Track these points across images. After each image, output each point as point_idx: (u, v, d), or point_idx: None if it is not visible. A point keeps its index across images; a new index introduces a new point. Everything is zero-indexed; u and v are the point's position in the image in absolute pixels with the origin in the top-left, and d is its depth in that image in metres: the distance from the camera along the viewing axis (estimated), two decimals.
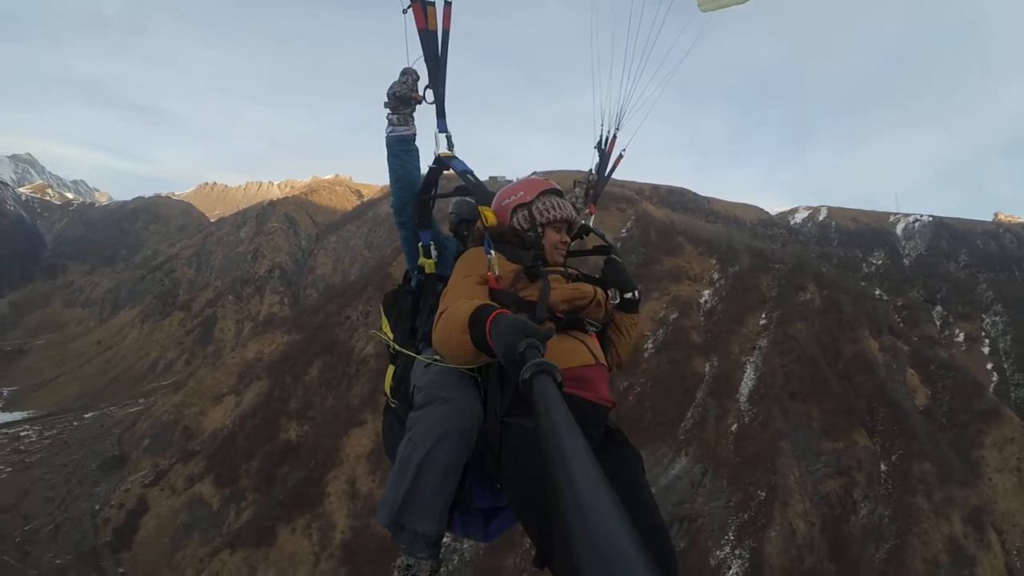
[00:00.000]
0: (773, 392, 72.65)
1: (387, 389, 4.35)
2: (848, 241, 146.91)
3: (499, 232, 4.05)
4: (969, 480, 67.11)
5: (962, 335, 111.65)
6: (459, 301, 3.33)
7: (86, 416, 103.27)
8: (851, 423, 69.93)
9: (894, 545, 61.09)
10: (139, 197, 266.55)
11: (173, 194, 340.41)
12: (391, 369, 4.37)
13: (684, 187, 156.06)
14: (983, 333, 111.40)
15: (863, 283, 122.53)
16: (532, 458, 3.23)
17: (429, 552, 3.55)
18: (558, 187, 4.45)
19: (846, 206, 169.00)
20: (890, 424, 71.04)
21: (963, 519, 62.68)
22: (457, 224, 5.36)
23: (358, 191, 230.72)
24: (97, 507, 75.88)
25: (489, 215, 3.99)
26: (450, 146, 4.37)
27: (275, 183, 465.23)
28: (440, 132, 4.36)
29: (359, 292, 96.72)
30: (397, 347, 4.27)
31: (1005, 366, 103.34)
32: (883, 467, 67.55)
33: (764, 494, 63.96)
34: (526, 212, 4.28)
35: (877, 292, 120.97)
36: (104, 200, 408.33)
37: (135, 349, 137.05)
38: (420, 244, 4.42)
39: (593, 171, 6.21)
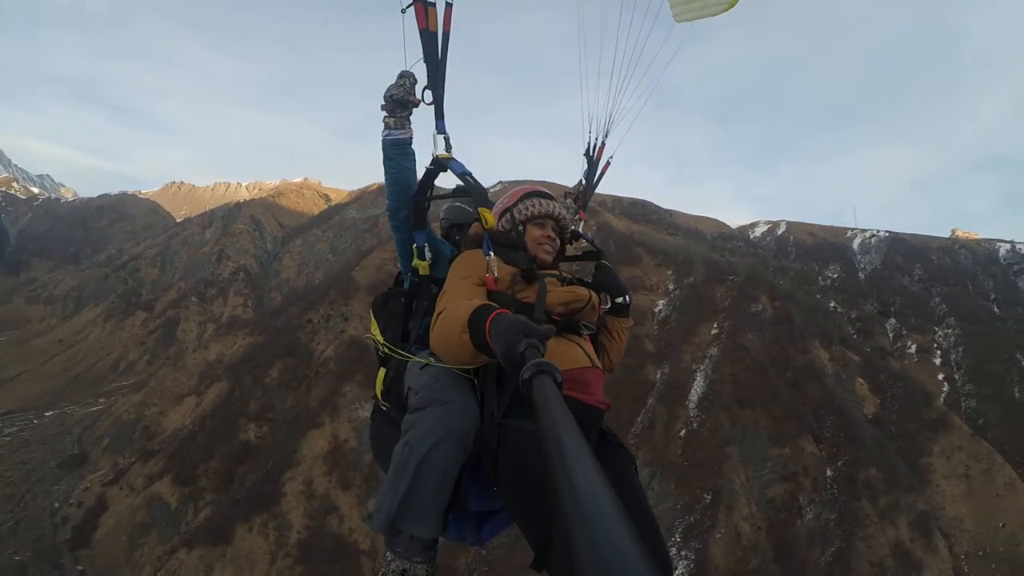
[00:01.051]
0: (722, 399, 74.53)
1: (378, 392, 4.37)
2: (805, 255, 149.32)
3: (493, 236, 4.06)
4: (916, 486, 69.59)
5: (914, 347, 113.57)
6: (458, 302, 3.40)
7: (47, 414, 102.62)
8: (798, 430, 71.75)
9: (839, 548, 62.96)
10: (105, 194, 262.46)
11: (140, 192, 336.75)
12: (382, 372, 4.39)
13: (647, 199, 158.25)
14: (935, 345, 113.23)
15: (818, 296, 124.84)
16: (530, 460, 3.30)
17: (424, 556, 3.58)
18: (543, 190, 4.54)
19: (806, 220, 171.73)
20: (837, 431, 72.93)
21: (910, 524, 64.84)
22: (448, 229, 5.40)
23: (326, 195, 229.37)
24: (56, 505, 75.77)
25: (489, 216, 4.03)
26: (448, 147, 4.41)
27: (243, 184, 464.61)
28: (439, 133, 4.42)
29: (321, 296, 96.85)
30: (390, 348, 4.27)
31: (956, 377, 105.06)
32: (829, 472, 69.36)
33: (710, 497, 65.69)
34: (509, 215, 4.38)
35: (832, 305, 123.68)
36: (70, 196, 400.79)
37: (97, 348, 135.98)
38: (415, 246, 4.44)
39: (582, 179, 6.29)
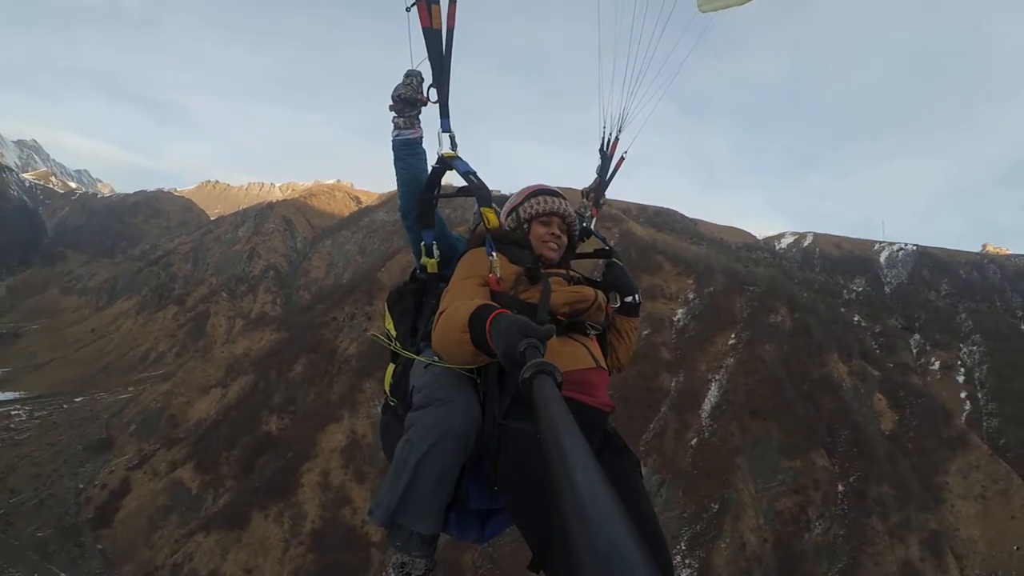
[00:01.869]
0: (734, 409, 74.67)
1: (386, 387, 4.33)
2: (831, 267, 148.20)
3: (499, 235, 4.07)
4: (929, 505, 68.46)
5: (938, 363, 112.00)
6: (459, 301, 3.38)
7: (76, 400, 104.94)
8: (810, 443, 71.45)
9: (847, 565, 62.64)
10: (141, 191, 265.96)
11: (175, 190, 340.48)
12: (391, 367, 4.36)
13: (672, 208, 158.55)
14: (959, 362, 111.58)
15: (842, 309, 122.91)
16: (530, 461, 3.28)
17: (424, 551, 3.62)
18: (551, 188, 4.46)
19: (833, 232, 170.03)
20: (850, 446, 72.64)
21: (921, 543, 64.13)
22: (477, 226, 4.93)
23: (357, 197, 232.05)
24: (81, 486, 77.72)
25: (491, 216, 4.07)
26: (453, 146, 4.42)
27: (277, 185, 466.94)
28: (443, 132, 4.43)
29: (346, 295, 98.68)
30: (396, 347, 4.28)
31: (979, 395, 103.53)
32: (840, 487, 68.98)
33: (717, 507, 65.77)
34: (515, 214, 4.33)
35: (856, 318, 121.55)
36: (106, 191, 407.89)
37: (128, 339, 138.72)
38: (423, 243, 4.45)
39: (596, 174, 6.22)
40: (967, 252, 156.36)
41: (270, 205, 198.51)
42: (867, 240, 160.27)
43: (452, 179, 4.45)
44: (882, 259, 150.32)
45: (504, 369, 3.47)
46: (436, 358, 3.69)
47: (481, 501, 3.76)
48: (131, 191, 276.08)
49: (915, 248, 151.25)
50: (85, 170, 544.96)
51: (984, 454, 74.41)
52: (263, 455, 76.02)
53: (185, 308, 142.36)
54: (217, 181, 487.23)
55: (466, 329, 2.96)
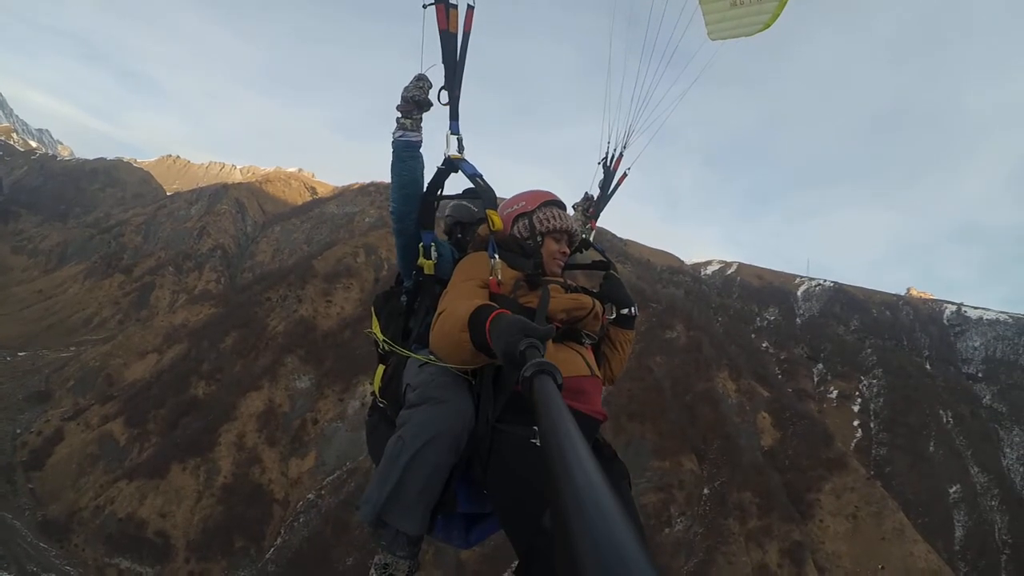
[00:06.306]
0: (613, 411, 77.62)
1: (375, 388, 4.33)
2: (749, 296, 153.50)
3: (501, 239, 4.03)
4: (795, 517, 71.98)
5: (836, 392, 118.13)
6: (459, 301, 3.42)
7: (20, 354, 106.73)
8: (682, 447, 76.51)
9: (701, 560, 67.43)
10: (101, 158, 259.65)
11: (135, 160, 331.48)
12: (380, 368, 4.36)
13: (604, 227, 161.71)
14: (857, 393, 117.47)
15: (752, 335, 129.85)
16: (521, 465, 3.29)
17: (408, 552, 3.60)
18: (560, 199, 4.44)
19: (761, 264, 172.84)
20: (720, 454, 77.50)
21: (781, 551, 68.19)
22: (452, 227, 5.17)
23: (313, 188, 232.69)
24: (18, 431, 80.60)
25: (496, 219, 3.94)
26: (460, 148, 4.39)
27: (238, 167, 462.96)
28: (452, 134, 4.39)
29: (282, 278, 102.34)
30: (391, 345, 4.26)
31: (872, 425, 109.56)
32: (706, 491, 74.20)
33: None
34: (526, 221, 4.26)
35: (765, 345, 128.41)
36: (66, 154, 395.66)
37: (74, 303, 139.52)
38: (421, 244, 4.38)
39: (598, 187, 6.24)
40: (884, 293, 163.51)
41: (225, 186, 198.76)
42: (789, 274, 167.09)
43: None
44: (799, 292, 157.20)
45: (499, 372, 3.60)
46: (432, 357, 3.73)
47: (468, 505, 3.78)
48: (91, 156, 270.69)
49: (832, 285, 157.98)
50: (47, 130, 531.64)
51: (861, 477, 78.08)
52: (188, 416, 79.85)
53: (131, 278, 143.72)
54: (178, 156, 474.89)
55: (465, 328, 3.05)
